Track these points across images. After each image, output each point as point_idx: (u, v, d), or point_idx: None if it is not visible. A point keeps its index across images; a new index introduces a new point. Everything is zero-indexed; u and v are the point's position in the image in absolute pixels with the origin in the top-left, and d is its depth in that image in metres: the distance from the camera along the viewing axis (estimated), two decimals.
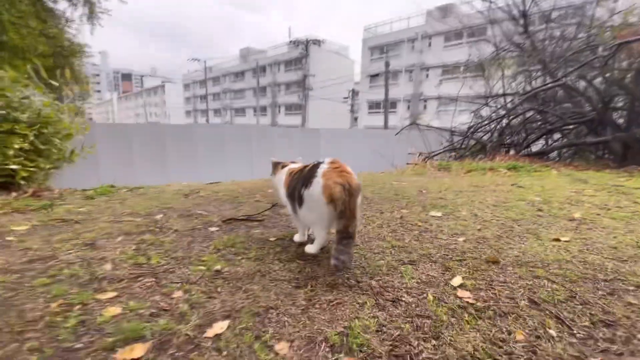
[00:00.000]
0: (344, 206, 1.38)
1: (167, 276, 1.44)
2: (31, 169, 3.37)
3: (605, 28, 6.74)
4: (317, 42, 33.22)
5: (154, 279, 1.41)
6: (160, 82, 65.57)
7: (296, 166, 1.83)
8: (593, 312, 1.17)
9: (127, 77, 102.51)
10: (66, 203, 2.84)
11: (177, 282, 1.39)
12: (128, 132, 9.72)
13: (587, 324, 1.11)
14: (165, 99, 60.04)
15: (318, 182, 1.46)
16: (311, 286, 1.37)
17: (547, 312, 1.17)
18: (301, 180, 1.59)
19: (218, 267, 1.52)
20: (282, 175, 1.85)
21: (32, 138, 3.31)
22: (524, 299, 1.26)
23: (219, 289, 1.34)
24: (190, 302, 1.25)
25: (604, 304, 1.22)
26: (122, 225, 2.12)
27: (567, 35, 7.58)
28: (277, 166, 1.98)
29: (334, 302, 1.25)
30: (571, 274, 1.46)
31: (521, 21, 7.68)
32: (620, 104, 6.70)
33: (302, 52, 31.61)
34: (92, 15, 8.26)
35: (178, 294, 1.30)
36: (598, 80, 6.61)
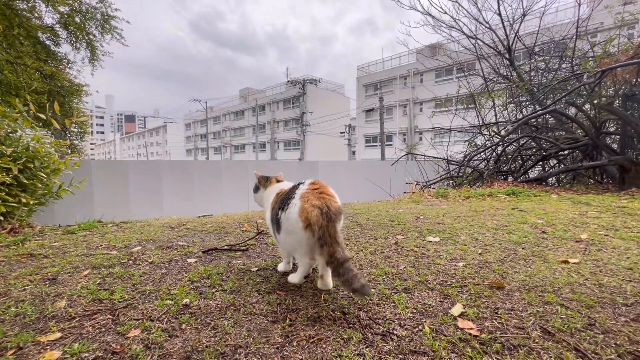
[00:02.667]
0: (322, 232, 1.24)
1: (127, 312, 1.27)
2: (12, 204, 3.25)
3: (588, 58, 7.00)
4: (314, 82, 34.71)
5: (110, 317, 1.24)
6: (163, 122, 67.50)
7: (286, 187, 1.68)
8: (618, 342, 0.99)
9: (130, 118, 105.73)
10: (42, 238, 2.67)
11: (137, 319, 1.21)
12: (125, 168, 9.71)
13: (613, 356, 0.93)
14: (167, 138, 61.37)
15: (295, 205, 1.33)
16: (290, 320, 1.19)
17: (564, 343, 0.99)
18: (279, 203, 1.46)
19: (187, 300, 1.35)
20: (271, 195, 1.69)
21: (16, 172, 3.22)
22: (535, 329, 1.08)
23: (183, 326, 1.17)
24: (147, 342, 1.07)
25: (629, 332, 1.05)
26: (92, 258, 1.95)
27: (551, 67, 7.86)
28: (266, 182, 1.79)
29: (315, 338, 1.07)
30: (586, 298, 1.28)
31: (507, 55, 7.99)
32: (612, 129, 6.75)
33: (299, 91, 32.85)
34: (93, 58, 8.63)
35: (135, 332, 1.13)
36: (587, 106, 6.72)
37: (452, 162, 7.82)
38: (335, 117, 32.65)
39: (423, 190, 6.47)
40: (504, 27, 7.66)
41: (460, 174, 7.44)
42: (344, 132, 32.70)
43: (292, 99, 37.06)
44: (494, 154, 7.29)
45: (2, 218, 3.20)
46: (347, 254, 1.25)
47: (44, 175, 3.63)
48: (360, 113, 32.89)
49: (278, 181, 1.79)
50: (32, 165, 3.46)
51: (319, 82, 35.76)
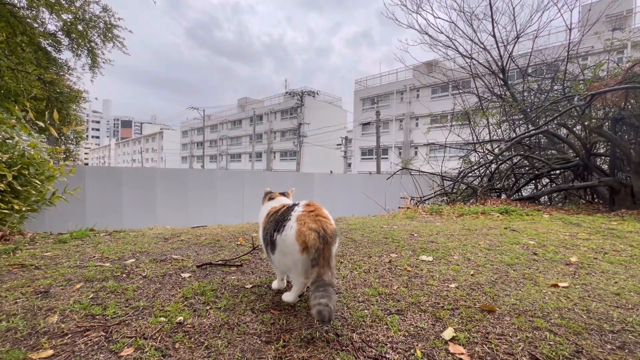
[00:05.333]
0: (317, 254, 1.26)
1: (120, 329, 1.26)
2: (4, 210, 3.22)
3: (579, 81, 7.22)
4: (312, 94, 35.12)
5: (103, 334, 1.23)
6: (159, 128, 67.42)
7: (277, 205, 1.70)
8: None
9: (127, 124, 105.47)
10: (34, 247, 2.65)
11: (130, 337, 1.21)
12: (119, 175, 9.65)
13: None
14: (163, 145, 61.19)
15: (291, 227, 1.34)
16: (284, 341, 1.20)
17: None
18: (274, 223, 1.47)
19: (180, 318, 1.35)
20: (263, 213, 1.72)
21: (10, 179, 3.20)
22: (524, 355, 1.10)
23: (176, 345, 1.17)
24: None
25: None
26: (85, 271, 1.94)
27: (543, 88, 8.09)
28: (264, 197, 1.83)
29: None
30: (574, 324, 1.31)
31: (500, 75, 8.22)
32: (602, 150, 6.92)
33: (297, 102, 33.20)
34: (94, 65, 8.69)
35: (128, 351, 1.12)
36: (578, 128, 6.89)
37: (447, 178, 7.91)
38: (332, 129, 32.95)
39: (417, 206, 6.52)
40: (498, 48, 7.90)
41: (454, 191, 7.52)
42: (340, 144, 32.95)
43: (290, 110, 37.40)
44: (488, 171, 7.40)
45: None
46: (333, 280, 1.27)
47: (38, 182, 3.61)
48: (357, 126, 33.25)
49: (271, 199, 1.80)
50: (27, 172, 3.44)
51: (317, 94, 36.19)
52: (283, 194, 1.83)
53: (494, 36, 7.85)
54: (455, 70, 9.69)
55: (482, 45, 8.27)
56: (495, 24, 7.69)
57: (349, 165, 34.24)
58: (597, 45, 9.03)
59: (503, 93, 8.47)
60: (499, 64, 8.09)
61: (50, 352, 1.10)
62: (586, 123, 6.60)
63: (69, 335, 1.21)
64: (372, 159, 29.81)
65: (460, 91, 9.49)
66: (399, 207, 6.61)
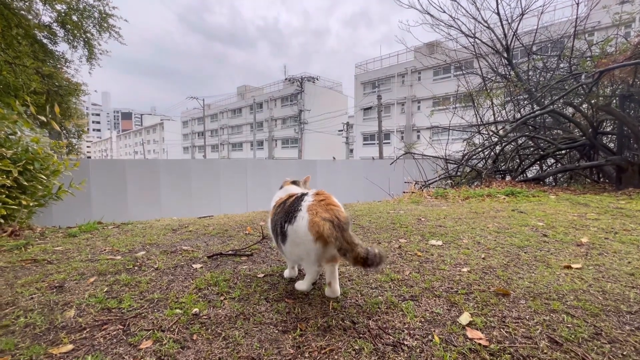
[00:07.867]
0: (339, 243, 1.26)
1: (137, 322, 1.27)
2: (12, 206, 3.23)
3: (586, 58, 7.03)
4: (312, 79, 34.62)
5: (121, 327, 1.24)
6: (160, 119, 67.06)
7: (283, 195, 1.68)
8: (625, 353, 1.01)
9: (127, 115, 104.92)
10: (44, 242, 2.66)
11: (148, 330, 1.22)
12: (122, 167, 9.65)
13: None
14: (164, 136, 61.00)
15: (303, 218, 1.32)
16: (300, 330, 1.20)
17: (573, 353, 1.01)
18: (283, 214, 1.45)
19: (196, 310, 1.35)
20: (271, 203, 1.71)
21: (16, 174, 3.20)
22: (543, 338, 1.10)
23: (194, 337, 1.17)
24: (160, 354, 1.08)
25: (635, 341, 1.07)
26: (97, 264, 1.95)
27: (549, 66, 7.89)
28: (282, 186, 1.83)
29: (326, 349, 1.08)
30: (591, 306, 1.31)
31: (505, 54, 8.01)
32: (609, 129, 6.81)
33: (297, 88, 32.78)
34: (91, 56, 8.55)
35: (147, 344, 1.13)
36: (585, 106, 6.76)
37: (451, 162, 7.85)
38: (333, 115, 32.63)
39: (422, 190, 6.50)
40: (502, 26, 7.67)
41: (458, 174, 7.47)
42: (341, 130, 32.70)
43: (290, 97, 36.96)
44: (492, 153, 7.33)
45: (2, 221, 3.18)
46: (365, 246, 1.28)
47: (44, 177, 3.61)
48: (358, 111, 32.88)
49: (281, 188, 1.80)
50: (32, 167, 3.44)
51: (317, 79, 35.67)
52: (294, 183, 1.82)
53: (498, 13, 7.61)
54: (458, 51, 9.45)
55: (485, 24, 8.04)
56: (499, 1, 7.45)
57: (351, 151, 34.07)
58: (605, 20, 8.74)
59: (507, 73, 8.28)
60: (503, 42, 7.87)
61: (70, 346, 1.11)
62: (593, 101, 6.47)
63: (87, 330, 1.22)
64: (375, 144, 29.63)
65: (464, 72, 9.28)
66: (404, 192, 6.60)
